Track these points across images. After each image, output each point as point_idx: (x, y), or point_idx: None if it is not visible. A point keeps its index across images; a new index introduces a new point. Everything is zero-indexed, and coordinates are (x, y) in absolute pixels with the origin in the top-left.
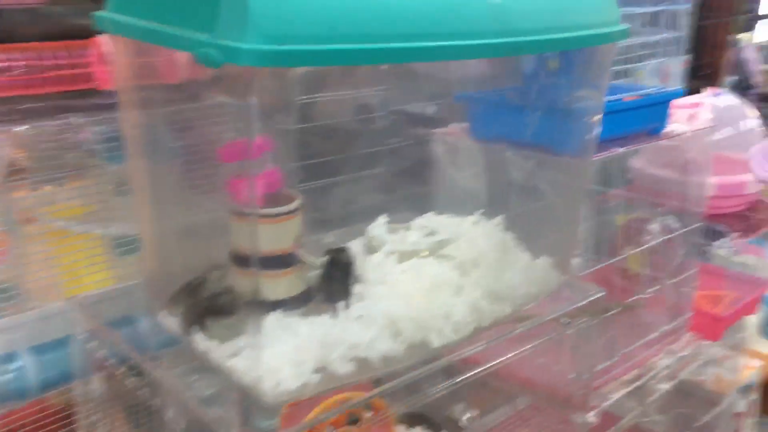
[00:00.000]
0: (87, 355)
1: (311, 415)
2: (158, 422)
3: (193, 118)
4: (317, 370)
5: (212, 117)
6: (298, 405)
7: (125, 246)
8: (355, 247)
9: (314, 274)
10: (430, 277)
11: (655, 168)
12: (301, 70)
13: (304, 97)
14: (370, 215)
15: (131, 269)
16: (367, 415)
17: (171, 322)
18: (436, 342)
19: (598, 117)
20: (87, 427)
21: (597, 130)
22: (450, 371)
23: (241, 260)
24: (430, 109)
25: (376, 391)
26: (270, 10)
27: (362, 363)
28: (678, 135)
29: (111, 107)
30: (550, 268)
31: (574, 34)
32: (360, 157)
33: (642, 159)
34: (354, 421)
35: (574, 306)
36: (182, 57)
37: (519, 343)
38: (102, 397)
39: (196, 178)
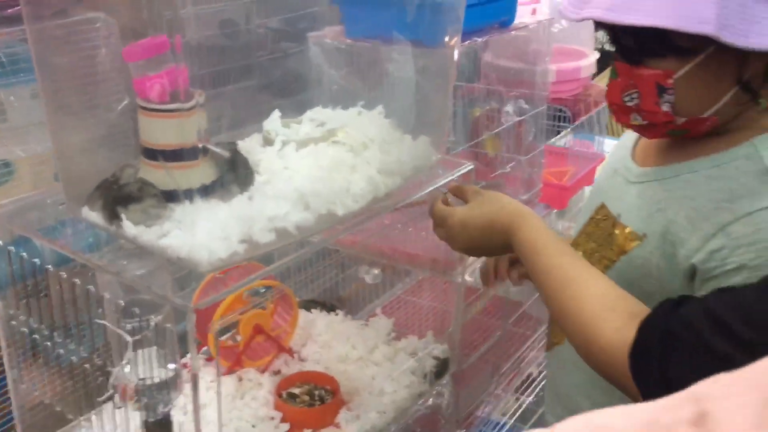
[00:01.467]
0: (15, 263)
1: (223, 305)
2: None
3: (64, 34)
4: (243, 241)
5: (82, 32)
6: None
7: None
8: (253, 141)
9: (222, 165)
10: (327, 158)
11: (504, 60)
12: None
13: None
14: (263, 116)
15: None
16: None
17: (93, 216)
18: (340, 211)
19: (461, 10)
20: (10, 341)
21: (460, 23)
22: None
23: (151, 153)
24: (302, 18)
25: (272, 267)
26: None
27: (281, 232)
28: (526, 26)
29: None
30: (429, 146)
31: None
32: (244, 67)
33: (491, 52)
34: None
35: (450, 177)
36: None
37: (405, 223)
38: (29, 305)
39: (86, 91)
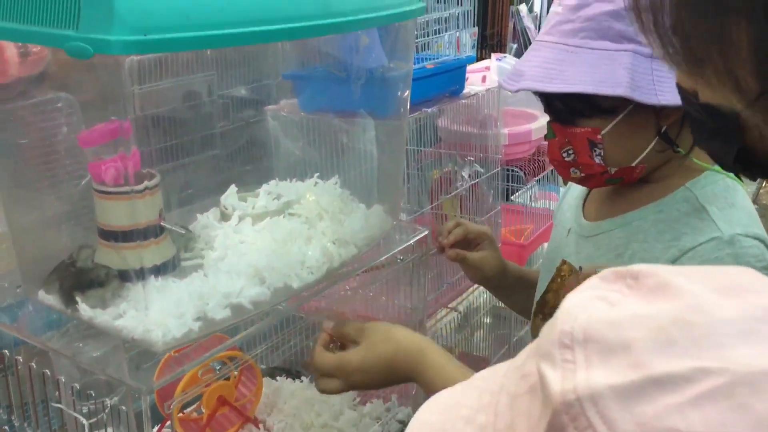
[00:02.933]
0: None
1: (184, 381)
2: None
3: (27, 115)
4: (197, 319)
5: (44, 113)
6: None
7: None
8: (209, 217)
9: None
10: (283, 231)
11: (458, 125)
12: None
13: (137, 87)
14: (219, 190)
15: None
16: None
17: (50, 299)
18: (295, 284)
19: (408, 83)
20: None
21: (408, 94)
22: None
23: (109, 235)
24: (260, 89)
25: (235, 338)
26: (133, 5)
27: (236, 308)
28: (474, 94)
29: None
30: (384, 214)
31: (380, 13)
32: (200, 140)
33: (446, 118)
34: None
35: (407, 244)
36: (12, 56)
37: (362, 287)
38: None
39: (46, 170)
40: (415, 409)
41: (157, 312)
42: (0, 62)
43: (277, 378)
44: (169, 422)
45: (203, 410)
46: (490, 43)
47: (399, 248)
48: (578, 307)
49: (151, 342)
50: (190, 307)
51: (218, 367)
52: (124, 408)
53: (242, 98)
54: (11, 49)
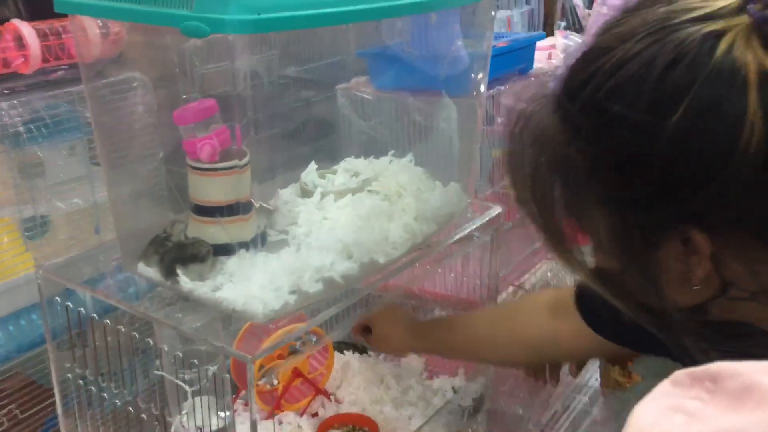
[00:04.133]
0: (64, 316)
1: (264, 344)
2: (147, 365)
3: (107, 93)
4: (293, 292)
5: (121, 92)
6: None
7: (34, 230)
8: (288, 193)
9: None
10: (365, 208)
11: (520, 103)
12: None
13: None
14: (293, 167)
15: (46, 250)
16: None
17: (149, 272)
18: (382, 259)
19: (486, 62)
20: (63, 391)
21: (485, 73)
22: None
23: (204, 210)
24: (331, 67)
25: (315, 319)
26: None
27: (327, 282)
28: (545, 72)
29: (29, 91)
30: (460, 191)
31: None
32: (270, 117)
33: (511, 97)
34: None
35: (482, 221)
36: (95, 36)
37: (433, 265)
38: (82, 356)
39: (127, 147)
40: (485, 384)
41: (256, 284)
42: (84, 42)
43: (345, 352)
44: (243, 392)
45: (275, 382)
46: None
47: (475, 225)
48: (651, 421)
49: (253, 313)
50: (286, 281)
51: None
52: (226, 375)
53: (313, 77)
54: (94, 30)
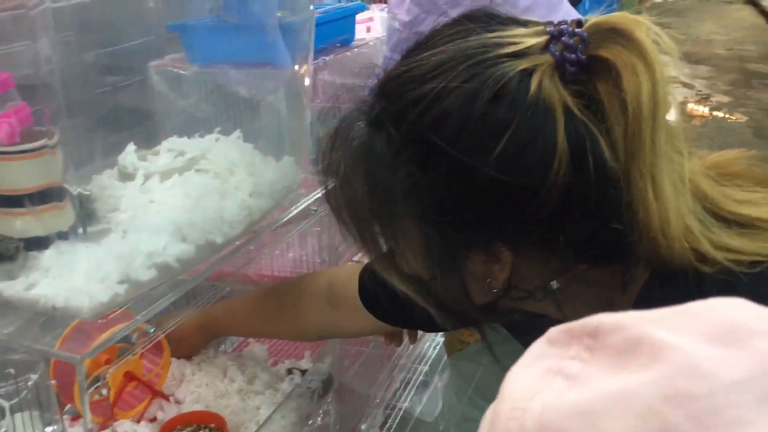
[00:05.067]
0: None
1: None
2: None
3: None
4: (122, 282)
5: None
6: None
7: None
8: (105, 178)
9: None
10: (196, 187)
11: (341, 77)
12: None
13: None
14: (111, 152)
15: None
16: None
17: None
18: (219, 240)
19: (309, 30)
20: None
21: (309, 43)
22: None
23: (10, 200)
24: (141, 45)
25: (145, 313)
26: None
27: (162, 267)
28: (365, 43)
29: None
30: (294, 165)
31: None
32: (79, 102)
33: (332, 70)
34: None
35: (317, 194)
36: None
37: (275, 244)
38: None
39: None
40: (333, 363)
41: (79, 276)
42: None
43: None
44: (68, 406)
45: (104, 392)
46: None
47: (312, 199)
48: (527, 389)
49: (78, 309)
50: (113, 270)
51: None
52: (52, 382)
53: (121, 56)
54: None
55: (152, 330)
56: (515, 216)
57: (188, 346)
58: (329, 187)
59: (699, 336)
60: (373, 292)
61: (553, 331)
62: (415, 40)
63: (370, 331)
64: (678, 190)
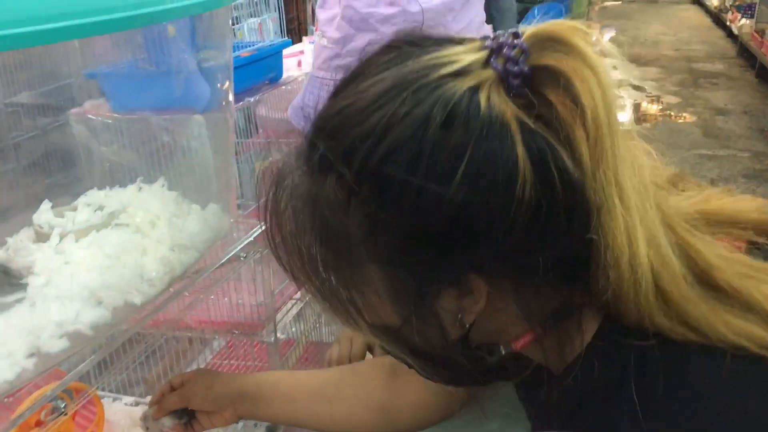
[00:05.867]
0: None
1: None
2: None
3: None
4: (31, 355)
5: None
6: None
7: None
8: (22, 238)
9: None
10: (113, 245)
11: (278, 112)
12: None
13: None
14: (26, 208)
15: None
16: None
17: None
18: (138, 300)
19: (228, 73)
20: None
21: (230, 85)
22: (137, 340)
23: None
24: (58, 92)
25: (74, 373)
26: None
27: (74, 336)
28: (294, 79)
29: None
30: (220, 212)
31: (189, 2)
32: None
33: (265, 107)
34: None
35: (247, 240)
36: None
37: (204, 292)
38: None
39: None
40: None
41: None
42: None
43: (115, 400)
44: None
45: None
46: (290, 27)
47: (240, 246)
48: None
49: None
50: (20, 344)
51: (56, 404)
52: None
53: (37, 104)
54: None
55: (63, 405)
56: (485, 242)
57: (220, 420)
58: (271, 235)
59: None
60: None
61: None
62: (347, 68)
63: (431, 401)
64: (641, 195)
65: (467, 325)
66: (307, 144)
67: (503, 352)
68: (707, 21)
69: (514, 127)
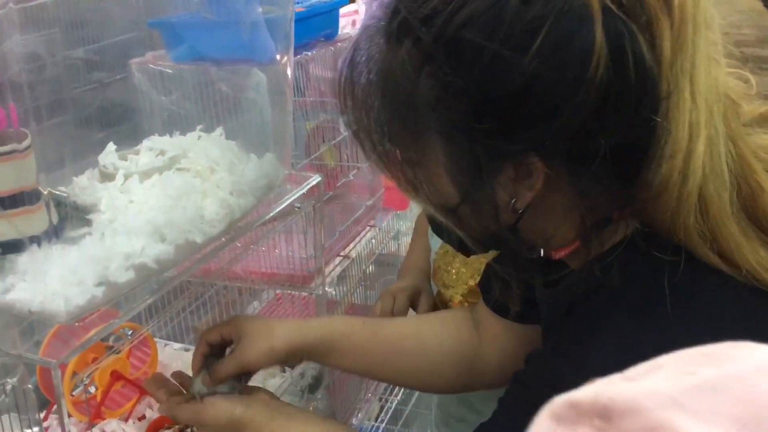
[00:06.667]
0: None
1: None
2: None
3: None
4: (99, 284)
5: None
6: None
7: None
8: (87, 179)
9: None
10: (175, 187)
11: (331, 71)
12: None
13: None
14: (91, 152)
15: None
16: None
17: None
18: (198, 239)
19: (289, 26)
20: None
21: (290, 38)
22: (187, 287)
23: None
24: (122, 43)
25: (129, 311)
26: None
27: (140, 269)
28: (350, 37)
29: None
30: (276, 162)
31: None
32: (58, 102)
33: (317, 65)
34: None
35: (302, 191)
36: None
37: (255, 242)
38: None
39: None
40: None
41: (54, 280)
42: None
43: (166, 345)
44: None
45: (91, 390)
46: None
47: (295, 195)
48: None
49: (53, 313)
50: (90, 273)
51: (110, 341)
52: (29, 386)
53: (101, 54)
54: None
55: (130, 333)
56: (552, 119)
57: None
58: (348, 117)
59: (729, 425)
60: (490, 289)
61: (559, 406)
62: None
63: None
64: (711, 96)
65: (519, 211)
66: (389, 10)
67: (542, 254)
68: (758, 5)
69: (596, 8)
